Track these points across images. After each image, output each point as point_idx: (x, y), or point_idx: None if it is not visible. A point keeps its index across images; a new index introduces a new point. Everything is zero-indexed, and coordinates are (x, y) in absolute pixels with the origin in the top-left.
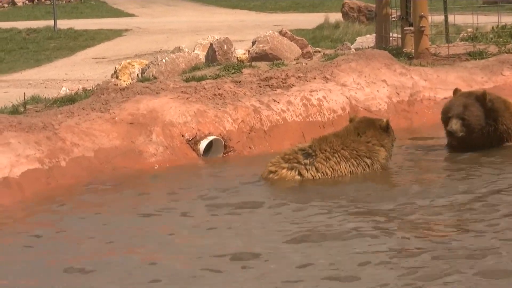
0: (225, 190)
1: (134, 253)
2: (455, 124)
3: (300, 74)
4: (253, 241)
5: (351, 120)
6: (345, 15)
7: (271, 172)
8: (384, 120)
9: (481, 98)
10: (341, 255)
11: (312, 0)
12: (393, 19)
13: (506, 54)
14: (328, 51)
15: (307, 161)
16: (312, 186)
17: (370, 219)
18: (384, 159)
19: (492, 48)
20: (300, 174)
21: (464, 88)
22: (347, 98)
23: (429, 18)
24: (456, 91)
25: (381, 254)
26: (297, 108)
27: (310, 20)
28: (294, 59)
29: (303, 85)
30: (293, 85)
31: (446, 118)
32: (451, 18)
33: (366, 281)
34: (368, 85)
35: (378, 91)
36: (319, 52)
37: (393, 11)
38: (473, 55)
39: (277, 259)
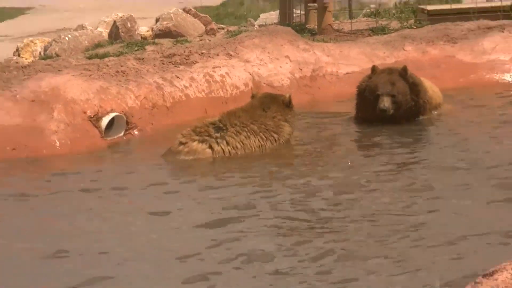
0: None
1: None
2: (386, 102)
3: (204, 51)
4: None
5: (253, 96)
6: None
7: (181, 143)
8: (287, 95)
9: (403, 73)
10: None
11: None
12: None
13: (407, 30)
14: (231, 28)
15: (218, 135)
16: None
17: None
18: (288, 134)
19: (394, 24)
20: (211, 147)
21: (366, 63)
22: (250, 74)
23: None
24: (374, 68)
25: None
26: (200, 85)
27: None
28: (198, 36)
29: (206, 62)
30: (196, 61)
31: (374, 96)
32: None
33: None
34: (271, 61)
35: (281, 67)
36: (223, 29)
37: None
38: (375, 31)
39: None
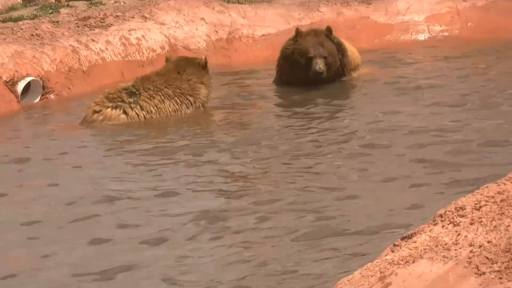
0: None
1: None
2: (321, 64)
3: (119, 13)
4: None
5: (167, 60)
6: None
7: (95, 112)
8: (203, 57)
9: (328, 34)
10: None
11: None
12: None
13: None
14: None
15: (131, 100)
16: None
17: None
18: (205, 96)
19: None
20: (125, 112)
21: (282, 25)
22: (166, 37)
23: None
24: (298, 31)
25: None
26: (116, 48)
27: None
28: None
29: (122, 25)
30: (111, 24)
31: (306, 59)
32: None
33: None
34: (187, 24)
35: (197, 29)
36: None
37: None
38: None
39: None
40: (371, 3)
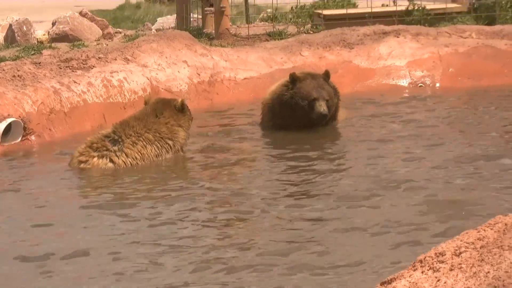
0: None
1: None
2: (324, 106)
3: (101, 55)
4: None
5: (145, 103)
6: None
7: (81, 162)
8: (179, 100)
9: (326, 78)
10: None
11: None
12: None
13: (304, 35)
14: (129, 32)
15: (116, 148)
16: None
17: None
18: (183, 139)
19: (291, 28)
20: (111, 161)
21: (264, 68)
22: (148, 79)
23: None
24: (294, 75)
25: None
26: (98, 90)
27: (111, 1)
28: (95, 40)
29: (104, 66)
30: (93, 66)
31: (309, 102)
32: None
33: None
34: (169, 66)
35: (179, 71)
36: (120, 33)
37: None
38: (272, 36)
39: None
40: (353, 48)
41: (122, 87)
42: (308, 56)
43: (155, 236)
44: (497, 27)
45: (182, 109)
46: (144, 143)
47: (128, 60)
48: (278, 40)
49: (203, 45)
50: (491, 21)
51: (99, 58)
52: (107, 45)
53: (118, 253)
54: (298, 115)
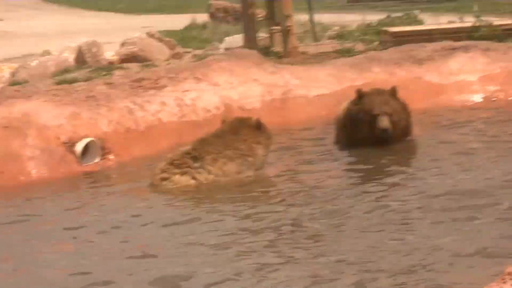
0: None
1: None
2: (386, 121)
3: (172, 75)
4: None
5: (223, 122)
6: (212, 15)
7: (164, 179)
8: (253, 117)
9: (393, 93)
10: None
11: (177, 1)
12: (260, 18)
13: (373, 52)
14: (197, 52)
15: (197, 165)
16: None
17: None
18: (263, 156)
19: (359, 46)
20: (194, 178)
21: (335, 85)
22: (221, 98)
23: (294, 17)
24: (360, 91)
25: None
26: (172, 108)
27: (176, 21)
28: (164, 60)
29: (176, 86)
30: (165, 85)
31: (371, 117)
32: (317, 17)
33: None
34: (241, 84)
35: (251, 89)
36: (189, 52)
37: (259, 11)
38: (341, 53)
39: None
40: (423, 64)
41: (195, 105)
42: (379, 73)
43: None
44: None
45: (259, 126)
46: (225, 159)
47: (199, 79)
48: (347, 57)
49: (273, 63)
50: None
51: (170, 77)
52: (177, 64)
53: None
54: (365, 130)
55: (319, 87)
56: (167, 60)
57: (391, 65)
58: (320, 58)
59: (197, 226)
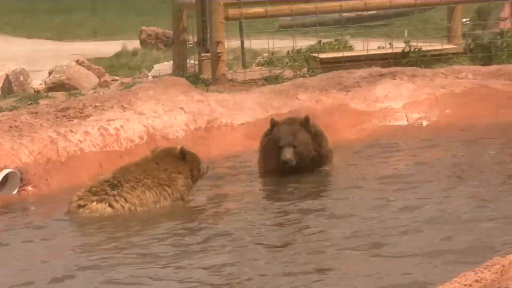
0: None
1: None
2: (288, 153)
3: (98, 104)
4: None
5: (152, 152)
6: (143, 42)
7: (80, 206)
8: (178, 147)
9: (305, 124)
10: None
11: (110, 27)
12: (190, 45)
13: (301, 78)
14: (125, 80)
15: (115, 192)
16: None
17: None
18: (182, 186)
19: (288, 73)
20: (110, 205)
21: (261, 113)
22: (145, 127)
23: (226, 43)
24: (273, 121)
25: None
26: (95, 138)
27: (108, 47)
28: (92, 88)
29: (101, 115)
30: (90, 115)
31: (277, 149)
32: (247, 43)
33: None
34: (166, 113)
35: (175, 118)
36: (117, 80)
37: (191, 37)
38: (269, 80)
39: None
40: (350, 90)
41: (119, 135)
42: (305, 100)
43: None
44: (493, 67)
45: (182, 156)
46: (143, 188)
47: (125, 108)
48: (274, 84)
49: (200, 91)
50: (487, 61)
51: (95, 106)
52: (103, 93)
53: None
54: (275, 160)
55: (245, 115)
56: (95, 88)
57: (318, 92)
58: (248, 85)
59: None
